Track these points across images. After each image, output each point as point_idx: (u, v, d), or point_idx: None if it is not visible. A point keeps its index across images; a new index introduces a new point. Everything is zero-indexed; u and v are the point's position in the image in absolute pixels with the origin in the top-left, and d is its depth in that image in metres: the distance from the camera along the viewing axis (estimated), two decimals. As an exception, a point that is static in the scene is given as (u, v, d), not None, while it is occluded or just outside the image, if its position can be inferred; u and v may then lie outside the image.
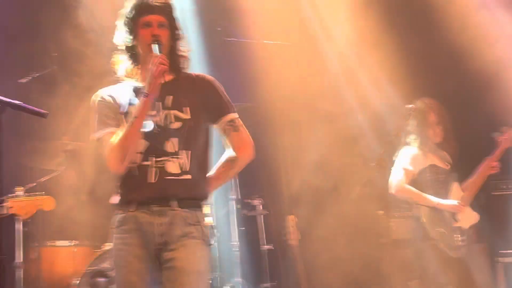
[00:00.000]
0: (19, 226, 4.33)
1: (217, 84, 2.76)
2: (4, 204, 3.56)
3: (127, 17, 2.66)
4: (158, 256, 2.53)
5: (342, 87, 6.21)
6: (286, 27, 5.99)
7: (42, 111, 2.55)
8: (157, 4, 2.62)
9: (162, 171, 2.51)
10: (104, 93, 2.70)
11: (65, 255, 4.79)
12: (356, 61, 6.15)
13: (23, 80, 4.55)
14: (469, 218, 4.45)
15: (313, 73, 6.31)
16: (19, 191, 4.09)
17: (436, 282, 4.47)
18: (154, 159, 2.51)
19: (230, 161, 2.74)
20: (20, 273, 4.40)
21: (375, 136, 5.28)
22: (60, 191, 4.96)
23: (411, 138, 4.61)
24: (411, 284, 5.01)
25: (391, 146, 4.62)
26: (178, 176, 2.50)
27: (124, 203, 2.57)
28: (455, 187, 4.53)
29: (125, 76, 2.74)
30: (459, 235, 4.37)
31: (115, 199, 2.66)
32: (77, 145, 5.10)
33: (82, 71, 5.08)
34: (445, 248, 4.33)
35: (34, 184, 4.60)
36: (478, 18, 5.67)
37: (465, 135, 4.97)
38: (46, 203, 3.82)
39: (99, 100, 2.67)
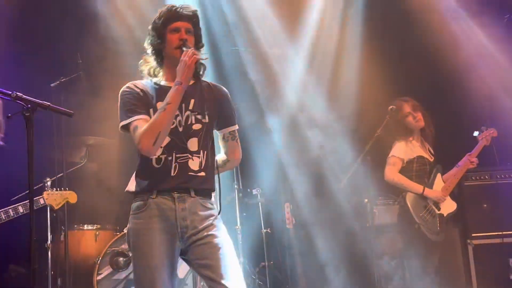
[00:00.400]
0: (50, 213, 4.44)
1: (230, 97, 2.82)
2: (41, 196, 3.56)
3: (157, 23, 2.70)
4: (181, 239, 2.55)
5: (335, 90, 6.14)
6: (286, 36, 5.93)
7: (68, 111, 2.53)
8: (185, 12, 2.66)
9: (184, 167, 2.55)
10: (134, 85, 2.71)
11: (89, 238, 4.82)
12: (344, 65, 6.11)
13: (53, 84, 4.52)
14: (449, 206, 4.44)
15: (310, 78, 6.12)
16: (48, 181, 4.23)
17: (416, 262, 4.48)
18: (175, 154, 2.54)
19: (222, 162, 2.81)
20: (50, 253, 4.48)
21: (363, 133, 5.24)
22: (83, 180, 5.10)
23: (397, 133, 4.60)
24: (393, 263, 5.05)
25: (376, 142, 4.50)
26: (196, 173, 2.55)
27: (145, 191, 2.59)
28: (438, 178, 4.52)
29: (149, 75, 2.77)
30: (439, 221, 4.37)
31: (133, 186, 2.66)
32: (97, 140, 5.11)
33: (103, 76, 5.15)
34: (426, 232, 4.30)
35: (61, 174, 4.64)
36: (449, 28, 5.74)
37: (440, 132, 4.78)
38: (71, 196, 3.96)
39: (129, 91, 2.69)
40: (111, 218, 5.10)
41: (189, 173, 2.56)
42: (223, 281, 2.43)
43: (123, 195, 4.46)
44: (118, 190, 4.89)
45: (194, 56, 2.46)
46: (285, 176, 5.23)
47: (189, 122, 2.61)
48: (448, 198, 4.48)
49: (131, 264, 3.86)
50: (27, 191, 2.41)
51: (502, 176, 5.31)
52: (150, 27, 2.75)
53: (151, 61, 2.76)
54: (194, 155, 2.60)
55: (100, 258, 4.42)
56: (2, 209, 3.28)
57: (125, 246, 4.44)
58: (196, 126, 2.62)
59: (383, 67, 5.96)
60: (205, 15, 5.91)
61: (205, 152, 2.65)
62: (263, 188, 5.58)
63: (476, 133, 4.67)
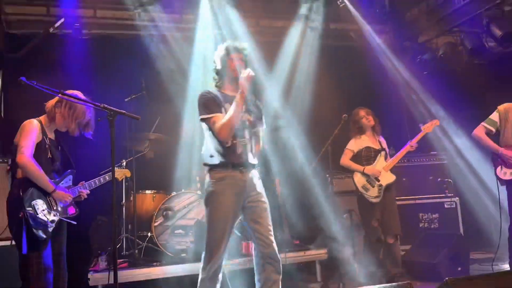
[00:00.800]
0: (124, 183, 4.99)
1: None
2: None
3: (222, 53, 3.15)
4: (243, 201, 3.01)
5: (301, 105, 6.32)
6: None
7: (136, 116, 2.88)
8: (240, 47, 3.16)
9: (246, 148, 3.03)
10: (209, 92, 3.08)
11: (148, 199, 5.09)
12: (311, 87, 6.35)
13: (126, 99, 4.90)
14: (388, 178, 4.63)
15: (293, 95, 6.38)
16: (123, 162, 4.79)
17: (362, 217, 4.93)
18: (238, 140, 2.99)
19: None
20: (124, 208, 5.02)
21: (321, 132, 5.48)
22: (145, 163, 5.47)
23: (352, 131, 4.88)
24: (346, 216, 5.23)
25: (334, 138, 4.67)
26: (252, 153, 3.07)
27: (223, 165, 2.96)
28: (380, 160, 4.70)
29: (216, 86, 3.22)
30: (378, 190, 4.60)
31: (213, 161, 2.99)
32: (156, 136, 5.38)
33: (157, 94, 5.55)
34: (367, 197, 4.62)
35: (131, 158, 4.96)
36: (380, 61, 6.22)
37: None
38: (127, 173, 4.17)
39: (207, 95, 3.05)
40: (162, 186, 5.27)
41: (248, 152, 3.04)
42: (268, 234, 2.95)
43: (169, 172, 5.23)
44: (166, 169, 5.40)
45: (252, 74, 2.91)
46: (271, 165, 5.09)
47: (245, 119, 3.08)
48: (389, 172, 4.66)
49: (175, 216, 4.59)
50: (110, 168, 2.90)
51: (415, 160, 5.80)
52: (216, 56, 3.21)
53: (216, 78, 3.22)
54: (250, 140, 3.08)
55: (156, 212, 4.67)
56: (95, 178, 3.37)
57: (171, 205, 4.74)
58: (249, 123, 3.12)
59: (335, 86, 6.33)
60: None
61: (253, 139, 3.13)
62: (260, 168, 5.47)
63: (420, 125, 4.81)
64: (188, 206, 4.69)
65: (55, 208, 2.97)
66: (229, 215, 2.94)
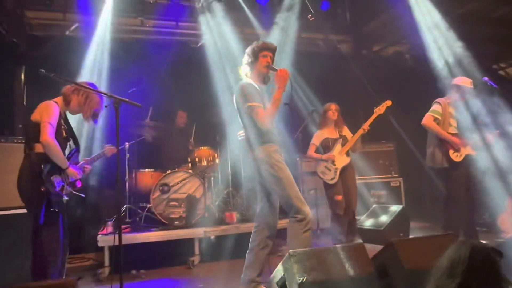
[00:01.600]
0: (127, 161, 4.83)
1: None
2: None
3: (254, 49, 3.07)
4: None
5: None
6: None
7: (138, 104, 2.79)
8: (272, 47, 3.11)
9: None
10: (251, 84, 3.06)
11: (148, 176, 4.98)
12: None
13: (129, 91, 4.62)
14: (343, 161, 4.45)
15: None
16: (126, 145, 4.73)
17: (326, 194, 4.66)
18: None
19: None
20: (127, 183, 4.84)
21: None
22: (144, 145, 5.31)
23: (320, 123, 4.70)
24: (311, 192, 5.24)
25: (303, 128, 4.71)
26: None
27: (270, 140, 2.95)
28: (337, 146, 4.48)
29: (246, 76, 3.16)
30: (334, 172, 4.43)
31: (270, 140, 2.96)
32: (153, 122, 5.26)
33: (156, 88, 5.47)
34: (325, 180, 4.49)
35: (133, 142, 4.93)
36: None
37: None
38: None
39: (251, 87, 3.04)
40: (159, 166, 5.13)
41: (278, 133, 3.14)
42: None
43: (165, 153, 5.20)
44: (162, 151, 5.42)
45: (288, 73, 2.93)
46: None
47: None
48: (344, 155, 4.46)
49: (170, 190, 4.51)
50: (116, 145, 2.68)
51: (368, 147, 5.77)
52: (248, 50, 3.11)
53: (246, 70, 3.15)
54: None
55: (154, 187, 4.57)
56: (93, 155, 3.25)
57: (167, 181, 4.61)
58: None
59: (306, 85, 6.04)
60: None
61: None
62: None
63: (374, 108, 4.50)
64: (181, 182, 4.63)
65: (68, 183, 2.89)
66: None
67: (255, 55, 3.08)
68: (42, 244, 2.67)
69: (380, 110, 4.37)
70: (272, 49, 3.14)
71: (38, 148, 2.70)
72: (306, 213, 2.84)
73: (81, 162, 3.08)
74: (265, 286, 3.03)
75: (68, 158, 2.94)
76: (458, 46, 5.40)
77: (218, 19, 5.79)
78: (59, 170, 2.81)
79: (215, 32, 5.82)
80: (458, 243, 1.44)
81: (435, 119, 4.20)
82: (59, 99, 2.93)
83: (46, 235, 2.69)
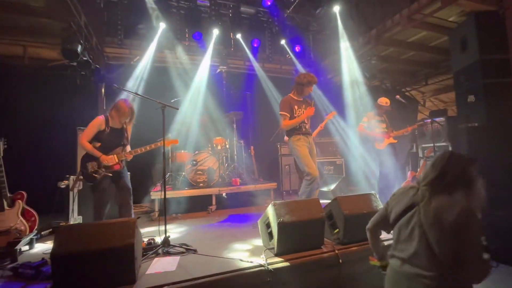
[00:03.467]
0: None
1: None
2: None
3: (307, 81, 3.06)
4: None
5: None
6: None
7: (176, 107, 2.80)
8: (315, 81, 3.12)
9: (306, 127, 3.13)
10: (290, 96, 3.10)
11: (183, 154, 4.70)
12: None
13: (172, 100, 4.58)
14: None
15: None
16: (169, 135, 4.54)
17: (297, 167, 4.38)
18: (302, 123, 3.09)
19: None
20: (170, 160, 4.63)
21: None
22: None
23: None
24: (286, 166, 5.13)
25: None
26: (309, 129, 3.17)
27: (297, 133, 3.03)
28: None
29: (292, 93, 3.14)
30: None
31: (293, 132, 3.00)
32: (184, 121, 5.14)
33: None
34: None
35: (169, 135, 4.83)
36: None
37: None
38: (175, 141, 3.41)
39: (289, 98, 3.06)
40: (190, 148, 4.77)
41: (306, 129, 3.13)
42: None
43: (194, 139, 4.91)
44: (193, 137, 5.03)
45: (312, 112, 3.04)
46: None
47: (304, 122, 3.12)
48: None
49: (197, 164, 4.33)
50: (159, 139, 2.74)
51: (322, 139, 5.63)
52: (300, 79, 3.05)
53: (295, 90, 3.11)
54: (306, 122, 3.15)
55: (187, 161, 4.40)
56: (139, 148, 2.86)
57: (195, 158, 4.37)
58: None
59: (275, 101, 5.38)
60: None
61: (307, 121, 3.16)
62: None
63: (325, 114, 4.34)
64: (204, 159, 4.55)
65: (102, 166, 2.72)
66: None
67: (304, 84, 3.09)
68: (94, 206, 2.69)
69: (329, 116, 4.20)
70: (315, 83, 3.14)
71: None
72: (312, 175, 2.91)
73: (124, 152, 2.85)
74: (254, 227, 3.02)
75: (110, 149, 2.79)
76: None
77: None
78: (95, 159, 2.71)
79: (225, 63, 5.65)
80: (443, 151, 1.34)
81: (364, 125, 4.22)
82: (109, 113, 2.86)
83: (94, 199, 2.70)
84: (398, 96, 4.31)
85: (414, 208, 1.27)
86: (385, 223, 1.43)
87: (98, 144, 2.74)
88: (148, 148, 2.91)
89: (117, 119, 2.82)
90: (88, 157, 2.71)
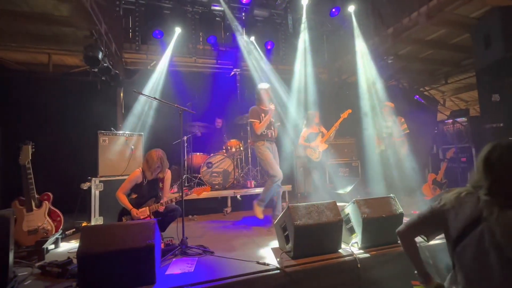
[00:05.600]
0: (185, 148, 4.74)
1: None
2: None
3: (259, 89, 3.31)
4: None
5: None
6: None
7: (192, 111, 2.95)
8: (267, 84, 3.32)
9: (273, 134, 3.30)
10: (255, 107, 3.28)
11: (199, 157, 4.75)
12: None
13: (188, 104, 4.61)
14: (323, 147, 4.14)
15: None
16: (184, 138, 4.64)
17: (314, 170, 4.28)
18: (269, 130, 3.26)
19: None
20: (185, 162, 4.66)
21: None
22: (196, 137, 5.13)
23: (304, 123, 4.38)
24: (301, 169, 5.01)
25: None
26: (275, 136, 3.31)
27: (262, 139, 3.17)
28: (318, 137, 4.18)
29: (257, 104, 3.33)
30: (317, 154, 4.14)
31: (259, 139, 3.15)
32: (201, 124, 5.10)
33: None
34: (312, 158, 4.15)
35: (189, 136, 4.83)
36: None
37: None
38: (207, 189, 3.08)
39: (255, 108, 3.29)
40: (206, 150, 4.86)
41: (272, 135, 3.28)
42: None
43: (210, 142, 4.98)
44: (208, 141, 5.19)
45: (273, 107, 3.22)
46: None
47: (269, 122, 3.28)
48: (323, 143, 4.15)
49: (212, 166, 4.37)
50: (180, 140, 2.75)
51: (338, 141, 5.48)
52: (256, 91, 3.34)
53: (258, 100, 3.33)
54: (273, 132, 3.32)
55: (202, 164, 4.42)
56: (170, 201, 2.77)
57: (211, 160, 4.40)
58: (271, 123, 3.32)
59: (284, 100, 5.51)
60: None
61: (273, 128, 3.36)
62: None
63: (341, 114, 4.16)
64: (219, 161, 4.59)
65: (134, 219, 2.66)
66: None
67: (261, 94, 3.33)
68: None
69: (344, 115, 4.15)
70: (268, 90, 3.34)
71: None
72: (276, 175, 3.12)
73: (157, 204, 2.79)
74: (269, 230, 3.09)
75: (144, 201, 2.79)
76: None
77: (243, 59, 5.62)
78: (128, 212, 2.71)
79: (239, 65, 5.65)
80: (491, 145, 1.06)
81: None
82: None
83: None
84: (417, 96, 4.18)
85: (480, 223, 0.99)
86: (426, 228, 1.18)
87: (135, 196, 2.78)
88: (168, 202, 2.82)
89: (149, 171, 2.80)
90: (124, 210, 2.70)
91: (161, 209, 2.75)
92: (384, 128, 4.18)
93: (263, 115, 3.33)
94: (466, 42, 4.52)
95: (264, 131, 3.27)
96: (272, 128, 3.38)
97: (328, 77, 6.51)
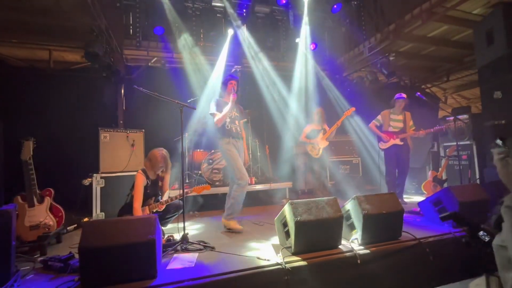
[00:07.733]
0: (185, 144, 4.63)
1: (242, 108, 3.23)
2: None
3: (226, 80, 3.10)
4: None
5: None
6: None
7: (193, 107, 2.98)
8: (236, 76, 3.11)
9: (237, 129, 3.06)
10: (218, 99, 3.05)
11: (200, 153, 4.69)
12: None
13: (189, 100, 4.69)
14: (323, 144, 4.19)
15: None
16: (186, 134, 4.48)
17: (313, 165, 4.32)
18: (232, 125, 3.03)
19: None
20: (187, 158, 4.61)
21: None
22: (198, 133, 4.94)
23: (311, 120, 4.42)
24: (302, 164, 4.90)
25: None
26: (238, 131, 3.07)
27: (227, 136, 2.94)
28: (320, 134, 4.23)
29: (219, 97, 3.15)
30: (318, 151, 4.19)
31: (222, 135, 2.92)
32: (201, 121, 4.96)
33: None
34: (312, 155, 4.22)
35: (186, 134, 4.81)
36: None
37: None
38: (207, 188, 3.10)
39: (218, 100, 3.04)
40: (207, 147, 4.77)
41: (237, 130, 3.06)
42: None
43: (211, 138, 4.73)
44: (210, 137, 4.87)
45: (234, 97, 2.95)
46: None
47: (234, 116, 3.09)
48: (324, 140, 4.20)
49: (213, 163, 4.34)
50: (180, 137, 2.68)
51: (338, 138, 5.49)
52: (222, 80, 3.16)
53: (220, 92, 3.17)
54: (238, 125, 3.11)
55: (203, 160, 4.42)
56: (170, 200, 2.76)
57: (212, 157, 4.41)
58: (237, 120, 3.12)
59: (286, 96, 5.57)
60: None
61: (238, 123, 3.13)
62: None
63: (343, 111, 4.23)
64: (220, 158, 4.57)
65: None
66: (239, 159, 2.95)
67: (225, 83, 3.10)
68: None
69: (347, 113, 4.14)
70: (236, 79, 3.11)
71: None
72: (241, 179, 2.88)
73: (156, 203, 2.79)
74: (262, 225, 3.12)
75: (146, 201, 2.78)
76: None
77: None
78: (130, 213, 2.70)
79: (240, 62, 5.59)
80: None
81: (376, 125, 4.28)
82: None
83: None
84: (418, 93, 4.16)
85: None
86: None
87: None
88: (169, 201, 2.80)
89: (151, 170, 2.78)
90: (124, 210, 2.69)
91: (161, 208, 2.74)
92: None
93: (226, 107, 3.02)
94: (469, 38, 4.49)
95: (227, 125, 2.96)
96: (237, 123, 3.07)
97: (330, 74, 6.51)
